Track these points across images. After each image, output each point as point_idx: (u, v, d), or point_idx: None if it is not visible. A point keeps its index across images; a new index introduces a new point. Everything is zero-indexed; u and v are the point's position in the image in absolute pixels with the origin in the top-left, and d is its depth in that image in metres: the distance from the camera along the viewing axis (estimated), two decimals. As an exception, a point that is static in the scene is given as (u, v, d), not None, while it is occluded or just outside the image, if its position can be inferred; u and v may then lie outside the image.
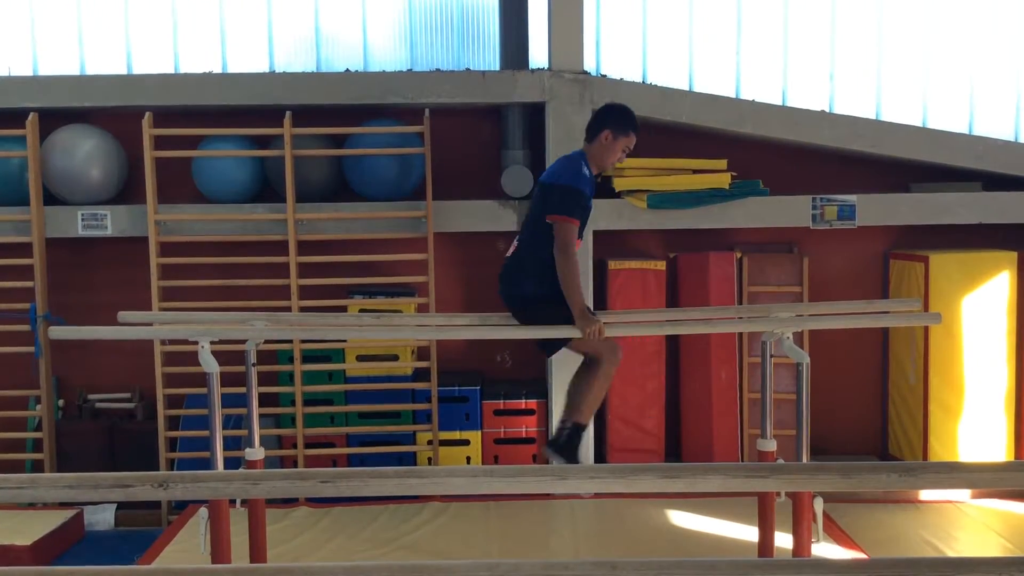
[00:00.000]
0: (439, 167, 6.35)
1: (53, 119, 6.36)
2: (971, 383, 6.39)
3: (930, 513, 6.04)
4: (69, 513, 5.97)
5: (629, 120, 4.71)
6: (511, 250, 4.83)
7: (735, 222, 6.44)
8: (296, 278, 6.25)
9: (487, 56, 6.89)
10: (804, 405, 4.57)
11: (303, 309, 6.23)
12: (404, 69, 6.78)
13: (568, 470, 2.36)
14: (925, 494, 6.26)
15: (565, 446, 4.72)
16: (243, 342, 4.69)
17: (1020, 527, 5.86)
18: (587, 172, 4.62)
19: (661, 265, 6.53)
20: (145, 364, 6.34)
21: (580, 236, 4.63)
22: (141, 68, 6.71)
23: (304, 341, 6.29)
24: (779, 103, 6.87)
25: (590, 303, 5.57)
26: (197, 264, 6.35)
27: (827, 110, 6.88)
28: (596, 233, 6.28)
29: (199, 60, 6.75)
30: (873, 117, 6.89)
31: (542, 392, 6.54)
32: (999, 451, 6.41)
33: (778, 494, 4.76)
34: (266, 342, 4.93)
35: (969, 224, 6.56)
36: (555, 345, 4.74)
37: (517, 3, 6.66)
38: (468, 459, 6.49)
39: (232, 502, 4.59)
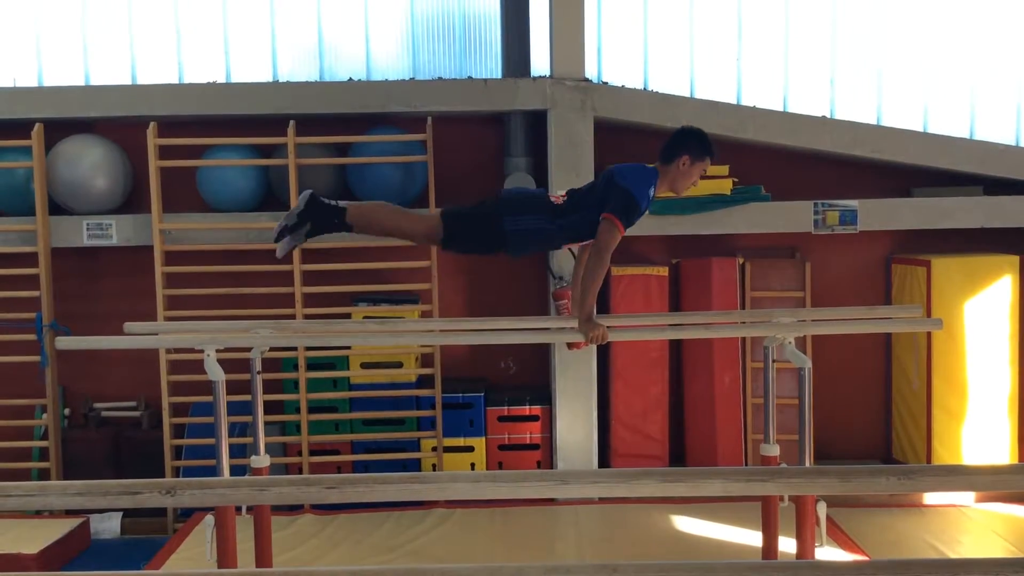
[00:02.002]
0: (442, 175, 6.38)
1: (58, 130, 6.40)
2: (974, 387, 6.40)
3: (934, 517, 6.05)
4: (75, 521, 5.99)
5: (707, 145, 4.56)
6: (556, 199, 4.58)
7: (737, 228, 6.46)
8: (300, 286, 6.28)
9: (489, 64, 6.92)
10: (807, 410, 4.59)
11: (307, 317, 6.26)
12: (407, 78, 6.81)
13: (571, 475, 2.37)
14: (929, 498, 6.27)
15: (309, 208, 4.46)
16: (248, 350, 4.71)
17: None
18: (652, 193, 4.53)
19: (664, 271, 6.55)
20: (150, 373, 6.37)
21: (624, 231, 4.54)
22: (146, 79, 6.75)
23: (309, 349, 6.31)
24: (780, 109, 6.88)
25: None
26: (202, 273, 6.38)
27: (828, 116, 6.90)
28: (599, 239, 6.29)
29: (203, 70, 6.79)
30: (874, 122, 6.91)
31: (546, 398, 6.56)
32: (1003, 454, 6.41)
33: (782, 499, 4.77)
34: (271, 350, 4.95)
35: (971, 228, 6.58)
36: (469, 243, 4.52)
37: (518, 11, 6.70)
38: (472, 465, 6.51)
39: (238, 509, 4.61)
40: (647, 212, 4.57)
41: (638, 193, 4.42)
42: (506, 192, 4.71)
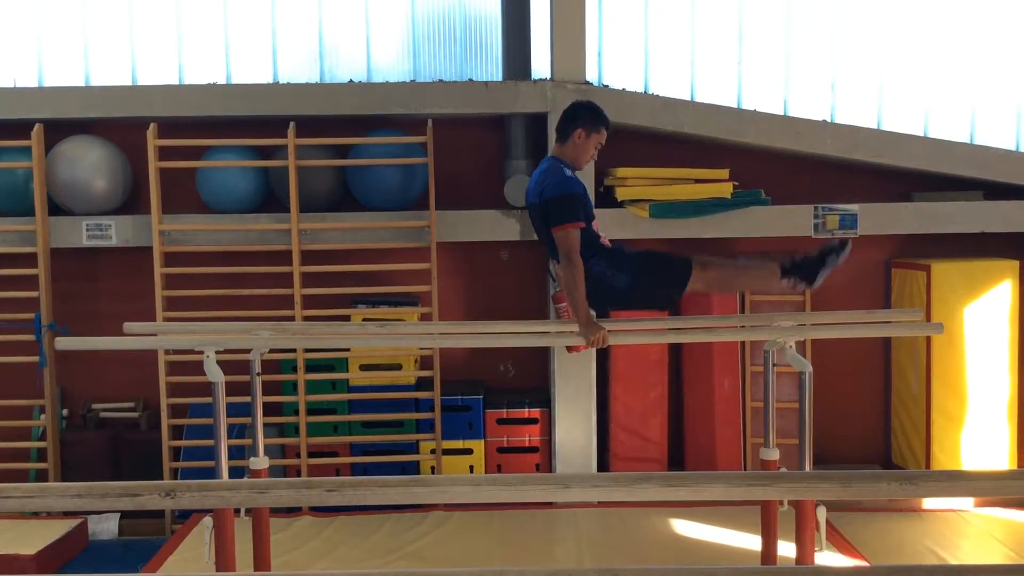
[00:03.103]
0: (442, 177, 6.38)
1: (58, 130, 6.39)
2: (974, 392, 6.39)
3: (933, 522, 6.05)
4: (73, 522, 5.98)
5: (599, 116, 4.74)
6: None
7: (737, 231, 6.46)
8: (300, 288, 6.27)
9: (490, 67, 6.92)
10: (807, 414, 4.58)
11: (307, 319, 6.25)
12: (407, 80, 6.81)
13: (573, 479, 2.37)
14: (928, 503, 6.26)
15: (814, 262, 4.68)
16: (247, 352, 4.71)
17: (1023, 536, 5.86)
18: (569, 172, 4.66)
19: (663, 274, 6.53)
20: (149, 374, 6.36)
21: (590, 220, 4.65)
22: (146, 79, 6.74)
23: (308, 351, 6.30)
24: (781, 113, 6.88)
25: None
26: (201, 274, 6.37)
27: (829, 120, 6.90)
28: (599, 242, 6.29)
29: (203, 71, 6.78)
30: (875, 127, 6.91)
31: (545, 401, 6.55)
32: (1002, 460, 6.41)
33: (781, 503, 4.77)
34: (270, 352, 4.95)
35: (971, 233, 6.57)
36: (678, 285, 4.70)
37: (519, 14, 6.70)
38: (471, 468, 6.49)
39: (236, 511, 4.60)
40: (584, 190, 4.70)
41: (558, 188, 4.57)
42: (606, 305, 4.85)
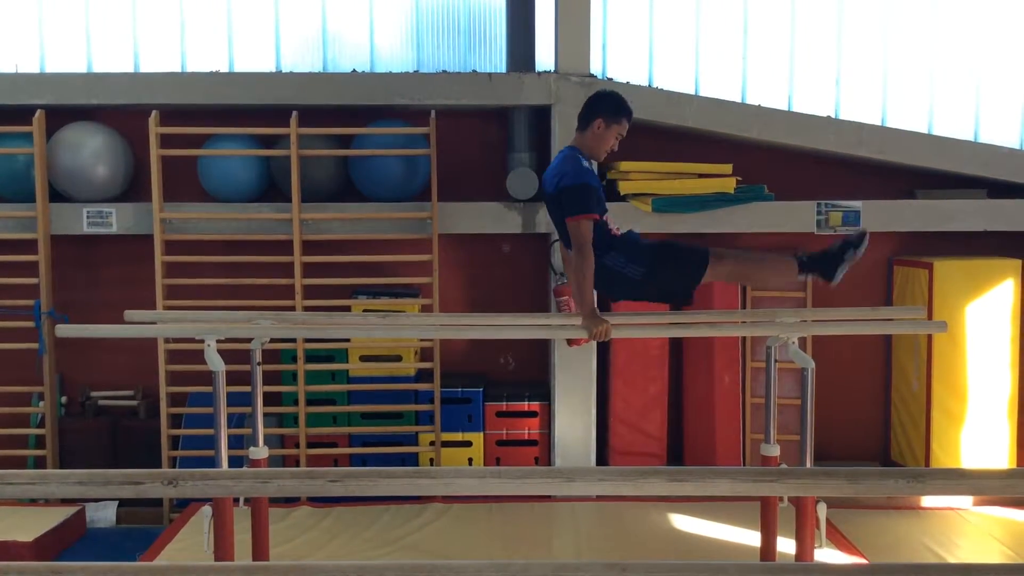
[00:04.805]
0: (445, 168, 6.36)
1: (60, 116, 6.37)
2: (974, 390, 6.39)
3: (932, 520, 6.04)
4: (71, 510, 5.97)
5: (621, 106, 4.66)
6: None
7: (740, 227, 6.45)
8: (301, 278, 6.25)
9: (493, 58, 6.89)
10: (809, 410, 4.57)
11: (307, 309, 6.23)
12: (410, 70, 6.78)
13: (577, 472, 2.35)
14: (927, 501, 6.26)
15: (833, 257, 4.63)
16: (247, 341, 4.70)
17: (1022, 534, 5.87)
18: (586, 164, 4.62)
19: (665, 269, 6.52)
20: (148, 362, 6.34)
21: (603, 213, 4.62)
22: (148, 67, 6.72)
23: (308, 341, 6.29)
24: (785, 108, 6.87)
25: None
26: (202, 263, 6.35)
27: (833, 116, 6.89)
28: (601, 236, 6.27)
29: (206, 59, 6.76)
30: (879, 123, 6.89)
31: (545, 394, 6.54)
32: (1001, 458, 6.41)
33: (781, 499, 4.76)
34: (270, 341, 4.93)
35: (974, 231, 6.57)
36: (695, 277, 4.67)
37: (524, 6, 6.67)
38: (470, 460, 6.49)
39: (235, 501, 4.59)
40: (599, 184, 4.67)
41: (575, 178, 4.51)
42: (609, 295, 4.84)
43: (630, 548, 5.52)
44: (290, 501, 6.16)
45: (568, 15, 6.34)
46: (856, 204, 6.47)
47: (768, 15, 6.94)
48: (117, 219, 6.35)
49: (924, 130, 6.92)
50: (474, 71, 6.73)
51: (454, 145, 6.53)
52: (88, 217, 6.34)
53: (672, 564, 2.01)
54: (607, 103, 4.66)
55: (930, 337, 6.36)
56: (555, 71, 6.38)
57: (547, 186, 4.70)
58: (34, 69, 6.69)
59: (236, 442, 5.94)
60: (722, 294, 6.48)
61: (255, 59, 6.79)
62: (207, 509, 4.51)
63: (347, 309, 6.37)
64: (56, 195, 6.41)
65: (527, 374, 6.90)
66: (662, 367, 6.58)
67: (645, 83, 6.84)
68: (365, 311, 6.35)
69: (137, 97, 6.32)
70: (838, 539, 5.52)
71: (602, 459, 6.56)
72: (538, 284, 6.70)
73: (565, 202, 4.51)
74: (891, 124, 6.91)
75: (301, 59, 6.82)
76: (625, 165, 6.33)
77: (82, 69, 6.68)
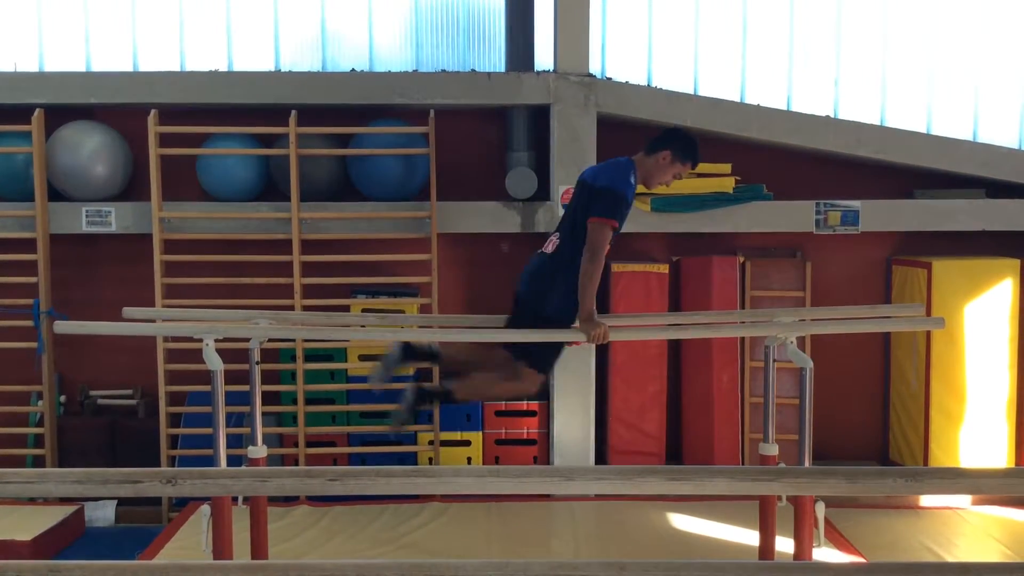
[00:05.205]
0: (443, 168, 6.36)
1: (59, 115, 6.37)
2: (972, 389, 6.40)
3: (930, 519, 6.05)
4: (70, 509, 5.97)
5: (693, 151, 4.62)
6: (550, 247, 4.64)
7: (738, 226, 6.45)
8: (300, 277, 6.25)
9: (492, 58, 6.90)
10: (807, 410, 4.57)
11: (306, 308, 6.23)
12: (410, 70, 6.78)
13: (576, 471, 2.36)
14: (925, 500, 6.26)
15: (418, 400, 4.78)
16: (246, 340, 4.69)
17: (1020, 534, 5.87)
18: (633, 182, 4.55)
19: (664, 268, 6.54)
20: (147, 361, 6.34)
21: (619, 232, 4.57)
22: (147, 65, 6.72)
23: (307, 340, 6.29)
24: (784, 108, 6.87)
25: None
26: (201, 262, 6.35)
27: (832, 116, 6.89)
28: (600, 235, 6.27)
29: (205, 58, 6.75)
30: (878, 123, 6.89)
31: (544, 394, 6.54)
32: (1000, 457, 6.41)
33: (779, 498, 4.76)
34: (269, 340, 4.93)
35: (972, 231, 6.57)
36: (548, 361, 4.70)
37: (523, 5, 6.67)
38: (469, 460, 6.49)
39: (234, 500, 4.59)
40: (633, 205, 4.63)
41: (619, 186, 4.48)
42: (522, 285, 4.72)
43: (629, 547, 5.52)
44: (289, 500, 6.16)
45: (567, 15, 6.35)
46: (855, 204, 6.47)
47: (767, 15, 6.94)
48: (116, 218, 6.35)
49: (923, 130, 6.92)
50: (473, 70, 6.73)
51: (453, 144, 6.53)
52: (87, 216, 6.34)
53: (671, 563, 2.01)
54: (682, 142, 4.61)
55: (929, 336, 6.37)
56: (554, 71, 6.38)
57: (587, 175, 4.64)
58: (33, 68, 6.69)
59: (235, 441, 5.94)
60: (720, 293, 6.48)
61: (254, 58, 6.79)
62: (206, 508, 4.51)
63: (346, 308, 6.37)
64: (55, 194, 6.41)
65: (526, 373, 6.89)
66: (661, 366, 6.59)
67: (644, 82, 6.85)
68: (364, 310, 6.35)
69: (136, 96, 6.32)
70: (836, 538, 5.52)
71: (601, 458, 6.56)
72: (537, 283, 6.69)
73: (598, 200, 4.44)
74: (890, 124, 6.91)
75: (300, 58, 6.82)
76: (624, 164, 6.32)
77: (81, 68, 6.68)
